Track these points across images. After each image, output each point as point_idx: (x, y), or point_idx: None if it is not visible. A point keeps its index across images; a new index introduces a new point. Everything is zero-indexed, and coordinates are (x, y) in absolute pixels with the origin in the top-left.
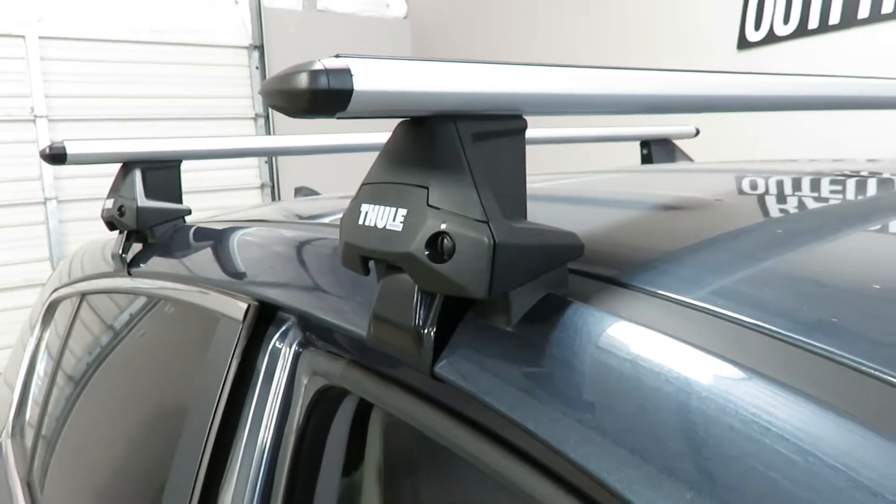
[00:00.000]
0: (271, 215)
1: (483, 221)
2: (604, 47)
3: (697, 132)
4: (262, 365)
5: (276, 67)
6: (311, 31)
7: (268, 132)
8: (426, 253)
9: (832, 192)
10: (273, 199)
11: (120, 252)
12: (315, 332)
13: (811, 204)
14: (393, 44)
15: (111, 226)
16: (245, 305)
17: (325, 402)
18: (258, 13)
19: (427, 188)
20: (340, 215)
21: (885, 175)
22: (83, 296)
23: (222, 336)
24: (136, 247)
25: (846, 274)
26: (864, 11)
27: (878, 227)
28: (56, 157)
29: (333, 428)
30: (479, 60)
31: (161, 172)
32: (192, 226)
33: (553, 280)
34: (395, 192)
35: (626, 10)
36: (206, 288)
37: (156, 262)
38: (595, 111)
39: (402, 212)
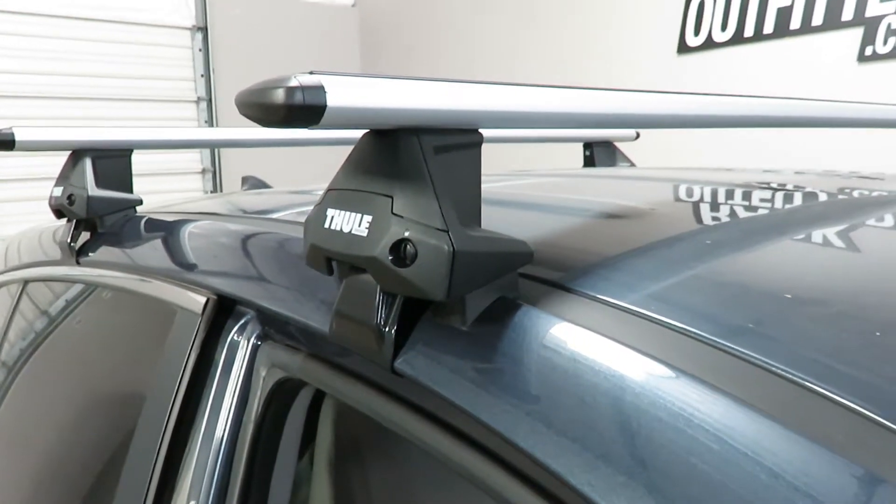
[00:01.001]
0: (224, 209)
1: (443, 230)
2: (548, 44)
3: (638, 135)
4: (220, 357)
5: (219, 50)
6: (257, 14)
7: (210, 116)
8: (390, 258)
9: (760, 201)
10: (214, 184)
11: (68, 241)
12: (273, 326)
13: (739, 213)
14: (340, 32)
15: (59, 214)
16: (204, 299)
17: (282, 394)
18: None
19: (391, 197)
20: (294, 211)
21: (810, 187)
22: (25, 283)
23: (180, 328)
24: (85, 235)
25: (766, 281)
26: (795, 23)
27: (800, 236)
28: (3, 143)
29: (290, 419)
30: (440, 78)
31: (112, 161)
32: (144, 216)
33: (505, 284)
34: (361, 199)
35: (571, 9)
36: (162, 280)
37: (106, 252)
38: (545, 126)
39: (368, 218)
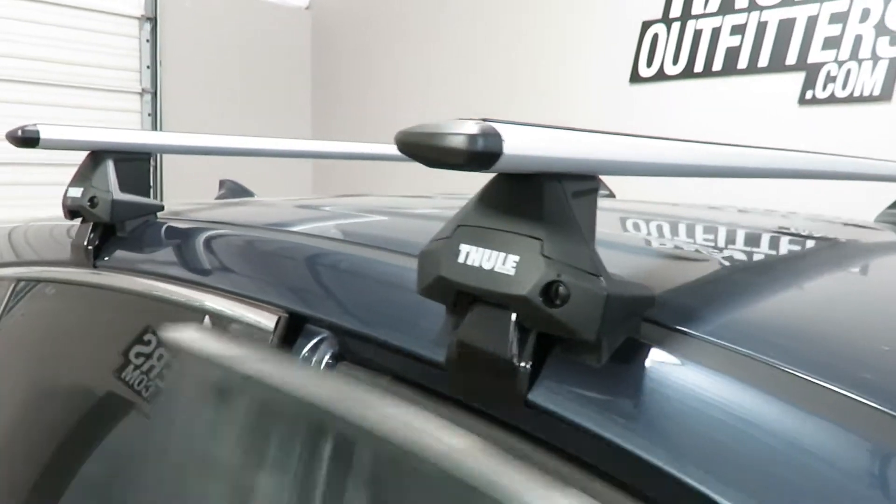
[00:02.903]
0: (260, 220)
1: (595, 275)
2: (503, 63)
3: None
4: None
5: (168, 42)
6: (209, 9)
7: (154, 109)
8: (541, 298)
9: (813, 244)
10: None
11: (84, 243)
12: (351, 347)
13: (806, 255)
14: (293, 33)
15: (75, 215)
16: (276, 316)
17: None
18: None
19: (540, 240)
20: (343, 223)
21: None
22: (17, 281)
23: (247, 345)
24: (96, 238)
25: (864, 324)
26: (743, 63)
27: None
28: (28, 140)
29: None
30: (581, 129)
31: (132, 164)
32: (165, 222)
33: (632, 325)
34: (504, 239)
35: (527, 31)
36: (218, 294)
37: (133, 259)
38: (669, 175)
39: (514, 258)
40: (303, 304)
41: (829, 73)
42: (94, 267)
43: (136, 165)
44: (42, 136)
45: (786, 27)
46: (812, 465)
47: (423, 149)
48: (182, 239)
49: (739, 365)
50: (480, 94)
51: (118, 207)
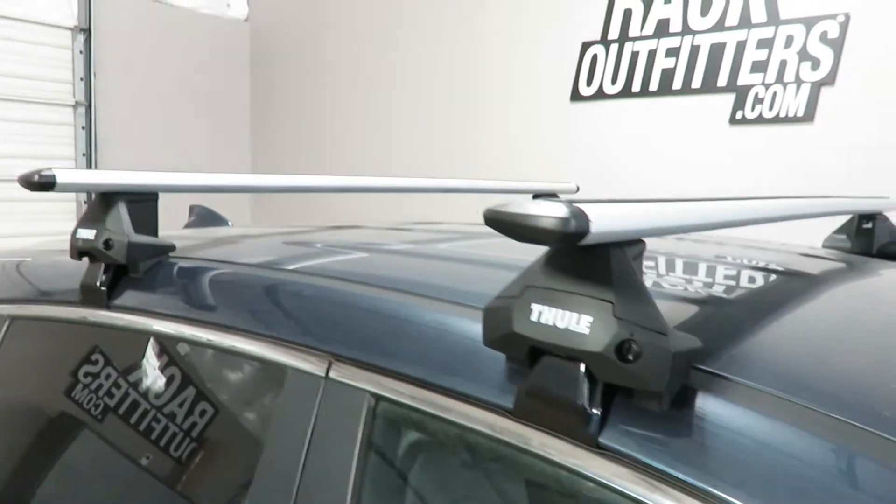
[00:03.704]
0: (279, 257)
1: (663, 334)
2: (447, 81)
3: (578, 189)
4: (346, 420)
5: (103, 54)
6: (145, 20)
7: (88, 122)
8: (615, 355)
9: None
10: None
11: (97, 284)
12: (400, 392)
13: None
14: (231, 45)
15: (88, 256)
16: (326, 361)
17: (415, 456)
18: None
19: (611, 302)
20: (370, 265)
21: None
22: (12, 319)
23: (296, 389)
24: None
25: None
26: (677, 84)
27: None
28: (44, 184)
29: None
30: (645, 199)
31: (142, 205)
32: (178, 262)
33: (686, 373)
34: (575, 300)
35: (472, 50)
36: (256, 338)
37: (152, 300)
38: (708, 229)
39: (588, 318)
40: (354, 350)
41: (757, 94)
42: (108, 307)
43: (146, 206)
44: (58, 180)
45: (717, 51)
46: (858, 498)
47: (515, 227)
48: (201, 280)
49: (772, 405)
50: (425, 112)
51: (134, 249)
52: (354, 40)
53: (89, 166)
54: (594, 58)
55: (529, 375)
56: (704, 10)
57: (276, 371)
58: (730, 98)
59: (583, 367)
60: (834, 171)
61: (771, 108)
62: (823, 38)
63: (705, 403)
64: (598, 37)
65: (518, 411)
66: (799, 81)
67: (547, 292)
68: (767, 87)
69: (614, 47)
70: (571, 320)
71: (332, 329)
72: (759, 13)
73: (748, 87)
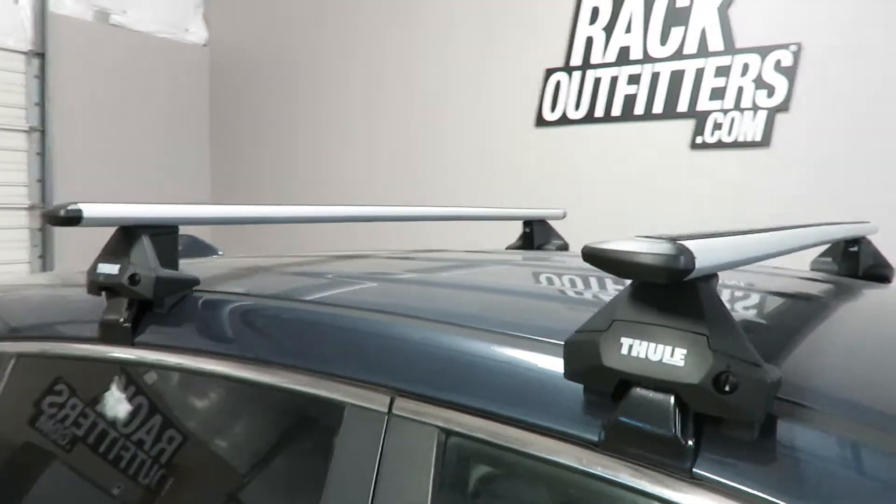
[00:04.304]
0: (312, 289)
1: (759, 365)
2: (417, 102)
3: (565, 214)
4: (413, 456)
5: (59, 78)
6: (101, 45)
7: (43, 148)
8: (712, 387)
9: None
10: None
11: (121, 320)
12: (472, 426)
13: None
14: (190, 70)
15: (108, 292)
16: (388, 397)
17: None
18: (42, 17)
19: (705, 335)
20: (415, 297)
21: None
22: (18, 357)
23: (358, 427)
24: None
25: None
26: (639, 110)
27: None
28: (70, 219)
29: None
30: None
31: (163, 238)
32: (203, 296)
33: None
34: (667, 334)
35: (440, 69)
36: (307, 374)
37: (182, 336)
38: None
39: (682, 351)
40: (419, 385)
41: (716, 120)
42: (133, 344)
43: (168, 239)
44: (85, 214)
45: (677, 78)
46: None
47: (621, 265)
48: (236, 314)
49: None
50: (392, 137)
51: (161, 284)
52: (317, 66)
53: (44, 193)
54: (557, 84)
55: (617, 408)
56: (664, 39)
57: (332, 408)
58: (690, 123)
59: (673, 399)
60: (789, 192)
61: (730, 133)
62: (777, 66)
63: (791, 431)
64: (561, 64)
65: (605, 443)
66: (756, 108)
67: (636, 326)
68: (726, 112)
69: (577, 74)
70: (665, 353)
71: (395, 364)
72: (715, 42)
73: (707, 113)
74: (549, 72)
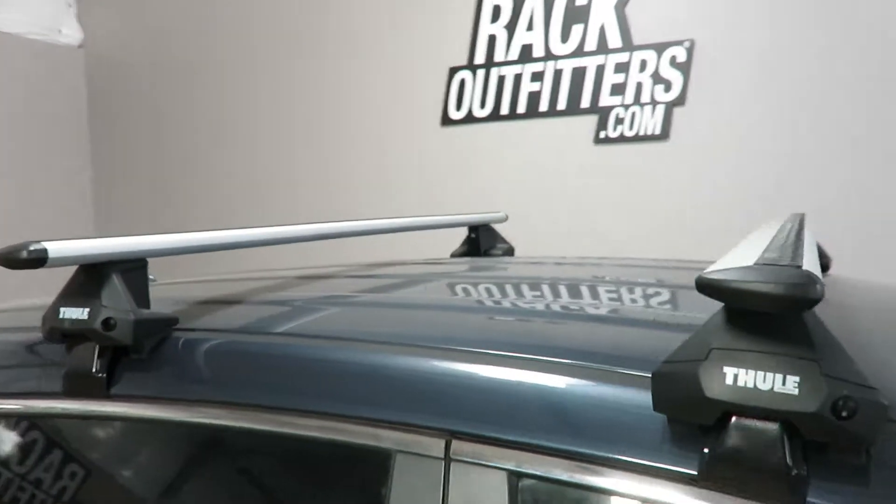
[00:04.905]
0: (336, 326)
1: (874, 388)
2: (315, 107)
3: (507, 217)
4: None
5: None
6: None
7: None
8: (831, 413)
9: None
10: None
11: (94, 370)
12: (546, 465)
13: None
14: (64, 73)
15: (70, 339)
16: (443, 440)
17: None
18: None
19: (817, 361)
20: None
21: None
22: None
23: (408, 476)
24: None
25: None
26: (543, 106)
27: None
28: (35, 261)
29: None
30: None
31: (133, 274)
32: (184, 337)
33: None
34: (775, 361)
35: (341, 70)
36: (337, 420)
37: (172, 384)
38: None
39: (794, 378)
40: (479, 425)
41: (617, 115)
42: (108, 397)
43: (137, 275)
44: (51, 255)
45: (578, 75)
46: None
47: (744, 295)
48: (236, 356)
49: None
50: (290, 144)
51: (141, 327)
52: (204, 69)
53: None
54: (462, 82)
55: (717, 439)
56: (565, 37)
57: (374, 457)
58: (593, 119)
59: (779, 427)
60: (689, 183)
61: (631, 127)
62: (673, 62)
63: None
64: (464, 62)
65: (706, 477)
66: (654, 102)
67: (739, 354)
68: (627, 108)
69: (481, 72)
70: (776, 381)
71: (449, 404)
72: (614, 39)
73: (609, 108)
74: (454, 70)
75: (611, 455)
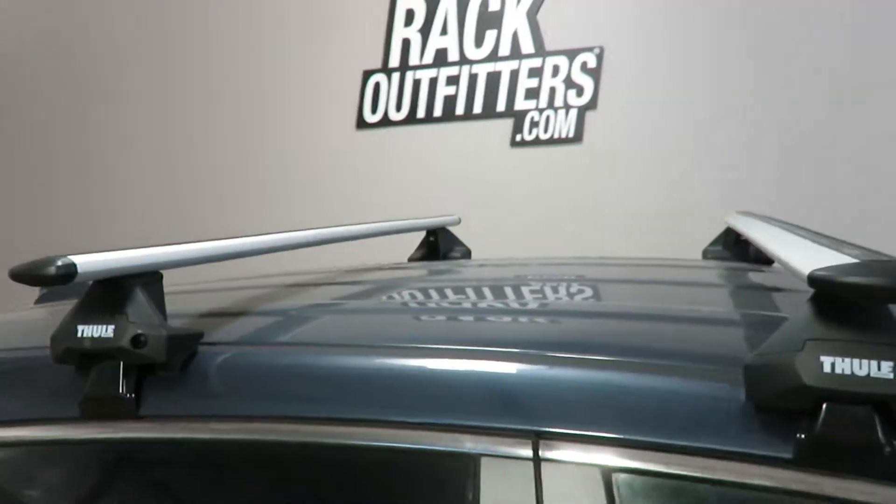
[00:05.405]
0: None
1: None
2: (222, 111)
3: (460, 220)
4: (584, 501)
5: None
6: None
7: None
8: None
9: None
10: None
11: (122, 391)
12: (640, 459)
13: None
14: None
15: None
16: (529, 441)
17: None
18: None
19: None
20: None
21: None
22: None
23: (497, 479)
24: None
25: None
26: (460, 110)
27: None
28: (66, 276)
29: None
30: None
31: (153, 287)
32: (216, 351)
33: None
34: (868, 349)
35: (250, 74)
36: (404, 427)
37: (207, 401)
38: None
39: (888, 364)
40: (566, 424)
41: (532, 119)
42: (138, 418)
43: (157, 288)
44: (80, 269)
45: (493, 79)
46: None
47: (859, 289)
48: (283, 370)
49: None
50: (203, 149)
51: (174, 343)
52: (97, 63)
53: None
54: (377, 86)
55: (813, 424)
56: (479, 42)
57: (458, 461)
58: (509, 122)
59: (872, 409)
60: (603, 183)
61: (546, 130)
62: (584, 67)
63: None
64: (378, 65)
65: (803, 459)
66: (567, 106)
67: (833, 344)
68: (541, 111)
69: (396, 76)
70: (871, 367)
71: (536, 404)
72: (527, 45)
73: (524, 112)
74: (368, 73)
75: (701, 445)
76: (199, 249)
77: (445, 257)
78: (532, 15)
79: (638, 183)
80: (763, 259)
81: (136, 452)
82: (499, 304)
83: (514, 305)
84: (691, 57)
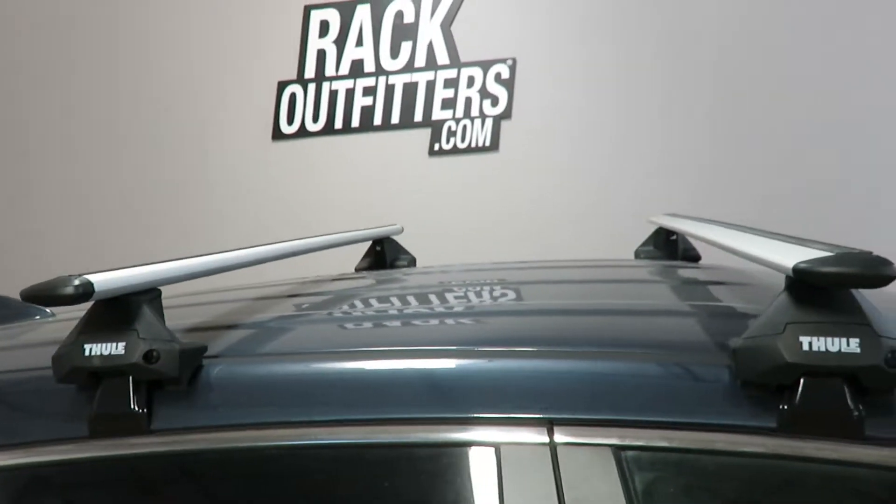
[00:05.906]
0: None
1: None
2: (133, 119)
3: (402, 229)
4: (601, 478)
5: None
6: None
7: None
8: (885, 364)
9: None
10: None
11: (134, 407)
12: (647, 437)
13: None
14: None
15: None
16: (544, 427)
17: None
18: None
19: (869, 325)
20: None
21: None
22: None
23: (517, 464)
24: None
25: None
26: (378, 120)
27: None
28: (83, 295)
29: None
30: None
31: (155, 303)
32: (221, 363)
33: None
34: (840, 329)
35: (165, 84)
36: (440, 423)
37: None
38: None
39: (856, 341)
40: (578, 410)
41: (450, 128)
42: (150, 433)
43: (158, 303)
44: (97, 288)
45: (410, 90)
46: None
47: (839, 277)
48: (295, 378)
49: None
50: (112, 159)
51: (186, 358)
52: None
53: None
54: (293, 96)
55: (793, 397)
56: (394, 53)
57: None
58: (427, 132)
59: (843, 380)
60: (519, 190)
61: (463, 139)
62: (498, 78)
63: None
64: (294, 76)
65: (786, 427)
66: (483, 116)
67: (809, 325)
68: (458, 121)
69: (312, 86)
70: (842, 344)
71: (549, 395)
72: (442, 56)
73: (442, 122)
74: (283, 84)
75: (697, 421)
76: (200, 264)
77: (392, 266)
78: (446, 27)
79: (553, 189)
80: (691, 256)
81: (149, 467)
82: (495, 307)
83: (514, 307)
84: (601, 66)
